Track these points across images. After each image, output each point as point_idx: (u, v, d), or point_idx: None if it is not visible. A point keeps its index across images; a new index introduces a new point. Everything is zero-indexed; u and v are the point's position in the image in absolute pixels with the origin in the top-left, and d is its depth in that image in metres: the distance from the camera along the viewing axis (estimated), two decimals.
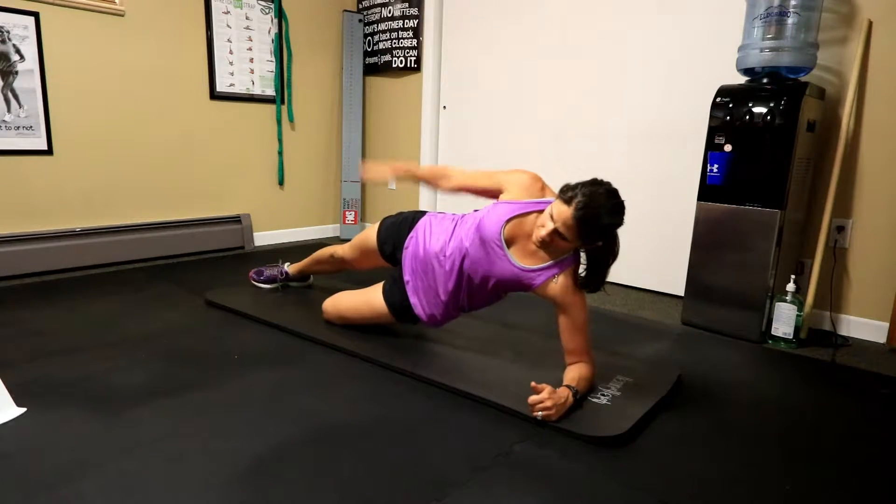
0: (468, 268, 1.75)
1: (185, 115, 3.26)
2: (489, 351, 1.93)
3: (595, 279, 1.61)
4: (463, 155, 3.66)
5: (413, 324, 1.97)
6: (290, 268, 2.53)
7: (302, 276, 2.54)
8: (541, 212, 1.62)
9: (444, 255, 1.80)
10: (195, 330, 2.08)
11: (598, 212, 1.45)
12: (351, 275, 2.56)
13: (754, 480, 1.30)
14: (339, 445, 1.36)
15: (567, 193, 1.49)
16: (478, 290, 1.79)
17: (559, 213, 1.48)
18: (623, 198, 1.51)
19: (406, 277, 1.91)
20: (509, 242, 1.66)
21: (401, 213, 2.05)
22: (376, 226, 2.07)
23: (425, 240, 1.87)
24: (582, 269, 1.62)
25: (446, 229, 1.85)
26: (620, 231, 1.55)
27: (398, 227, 1.99)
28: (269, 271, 2.54)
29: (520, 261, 1.65)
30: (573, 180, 1.53)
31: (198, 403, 1.53)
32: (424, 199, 3.83)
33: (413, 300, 1.90)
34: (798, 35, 2.13)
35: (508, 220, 1.65)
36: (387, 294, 1.95)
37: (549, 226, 1.50)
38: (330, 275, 2.58)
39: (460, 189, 1.85)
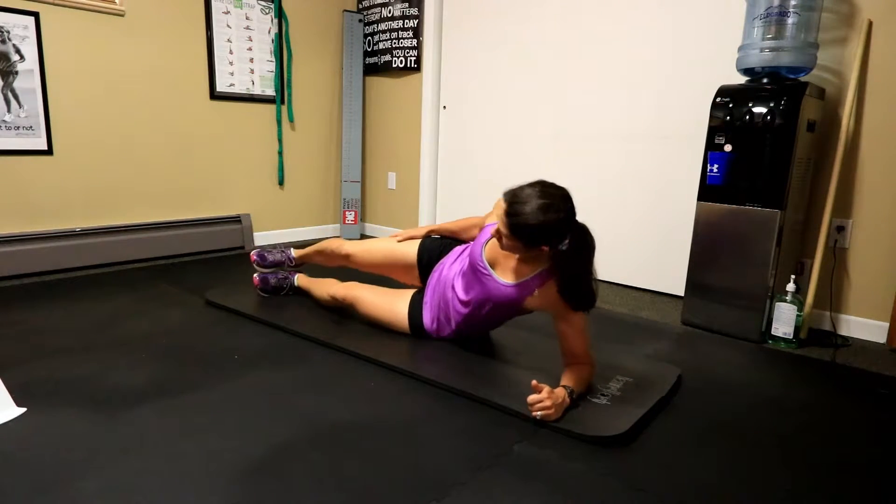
0: (471, 295, 1.78)
1: (186, 114, 3.26)
2: (489, 351, 1.93)
3: (574, 295, 1.54)
4: (463, 155, 3.66)
5: (423, 339, 2.00)
6: (295, 253, 2.47)
7: (298, 264, 2.51)
8: None
9: (453, 282, 1.85)
10: (195, 330, 2.08)
11: (523, 209, 1.44)
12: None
13: (754, 480, 1.30)
14: (339, 445, 1.36)
15: (506, 193, 1.51)
16: (483, 316, 1.81)
17: (498, 212, 1.50)
18: (568, 201, 1.47)
19: (426, 298, 1.97)
20: (493, 263, 1.70)
21: (443, 239, 2.07)
22: (412, 243, 2.07)
23: (448, 265, 1.92)
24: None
25: (461, 258, 1.90)
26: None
27: (438, 251, 2.02)
28: (272, 256, 2.45)
29: (504, 279, 1.67)
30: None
31: (198, 403, 1.53)
32: (424, 197, 3.83)
33: (426, 318, 1.95)
34: (798, 35, 2.13)
35: (487, 242, 1.70)
36: (412, 309, 1.98)
37: (496, 227, 1.54)
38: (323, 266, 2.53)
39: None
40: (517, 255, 1.63)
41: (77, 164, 2.89)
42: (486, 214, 1.97)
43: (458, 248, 1.98)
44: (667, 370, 1.83)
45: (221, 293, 2.46)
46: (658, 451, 1.39)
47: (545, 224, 1.45)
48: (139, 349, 1.88)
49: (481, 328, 1.91)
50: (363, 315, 2.09)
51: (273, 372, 1.75)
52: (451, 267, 1.91)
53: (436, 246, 2.03)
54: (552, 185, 1.50)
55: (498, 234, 1.54)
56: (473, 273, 1.74)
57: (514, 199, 1.46)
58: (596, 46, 2.97)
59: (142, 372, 1.71)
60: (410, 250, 2.05)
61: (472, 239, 1.99)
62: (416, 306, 1.98)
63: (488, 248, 1.71)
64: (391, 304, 2.02)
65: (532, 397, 1.45)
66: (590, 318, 1.63)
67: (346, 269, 2.31)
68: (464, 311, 1.82)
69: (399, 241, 2.07)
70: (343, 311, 2.20)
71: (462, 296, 1.81)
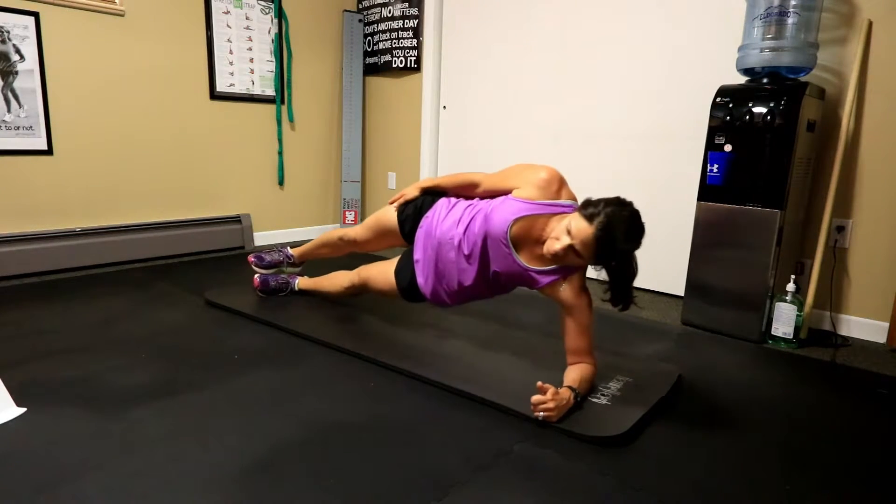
0: (478, 257, 1.72)
1: (185, 115, 3.26)
2: (489, 351, 1.93)
3: (621, 296, 1.57)
4: (463, 155, 3.66)
5: (418, 302, 1.95)
6: (294, 251, 2.47)
7: (298, 262, 2.50)
8: (552, 215, 1.60)
9: (457, 243, 1.76)
10: (195, 330, 2.08)
11: (618, 235, 1.42)
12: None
13: (754, 480, 1.30)
14: (339, 445, 1.36)
15: (588, 209, 1.45)
16: (491, 281, 1.76)
17: (578, 230, 1.44)
18: (640, 218, 1.48)
19: (416, 256, 1.89)
20: (516, 243, 1.63)
21: (424, 195, 1.99)
22: (391, 207, 2.03)
23: (438, 221, 1.84)
24: (605, 287, 1.60)
25: (458, 216, 1.80)
26: None
27: (419, 208, 1.95)
28: (270, 256, 2.45)
29: (526, 261, 1.64)
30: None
31: (198, 403, 1.53)
32: None
33: (420, 279, 1.88)
34: (798, 35, 2.13)
35: (516, 220, 1.61)
36: (398, 271, 1.95)
37: (565, 241, 1.47)
38: (326, 259, 2.52)
39: (490, 194, 1.80)
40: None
41: (77, 164, 2.89)
42: (485, 175, 1.83)
43: (446, 203, 1.88)
44: (667, 370, 1.83)
45: (221, 293, 2.46)
46: (658, 451, 1.39)
47: (634, 248, 1.48)
48: (139, 349, 1.88)
49: (485, 294, 1.83)
50: (376, 293, 2.08)
51: (273, 372, 1.75)
52: (443, 223, 1.82)
53: (412, 210, 1.96)
54: (628, 205, 1.48)
55: (565, 251, 1.48)
56: (492, 245, 1.67)
57: (609, 224, 1.42)
58: (596, 46, 2.97)
59: (141, 372, 1.71)
60: (392, 219, 2.00)
61: (467, 197, 1.88)
62: (403, 269, 1.93)
63: (515, 229, 1.61)
64: (385, 274, 2.00)
65: (536, 398, 1.44)
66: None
67: (348, 260, 2.29)
68: (472, 275, 1.75)
69: (397, 207, 2.00)
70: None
71: (472, 262, 1.74)
